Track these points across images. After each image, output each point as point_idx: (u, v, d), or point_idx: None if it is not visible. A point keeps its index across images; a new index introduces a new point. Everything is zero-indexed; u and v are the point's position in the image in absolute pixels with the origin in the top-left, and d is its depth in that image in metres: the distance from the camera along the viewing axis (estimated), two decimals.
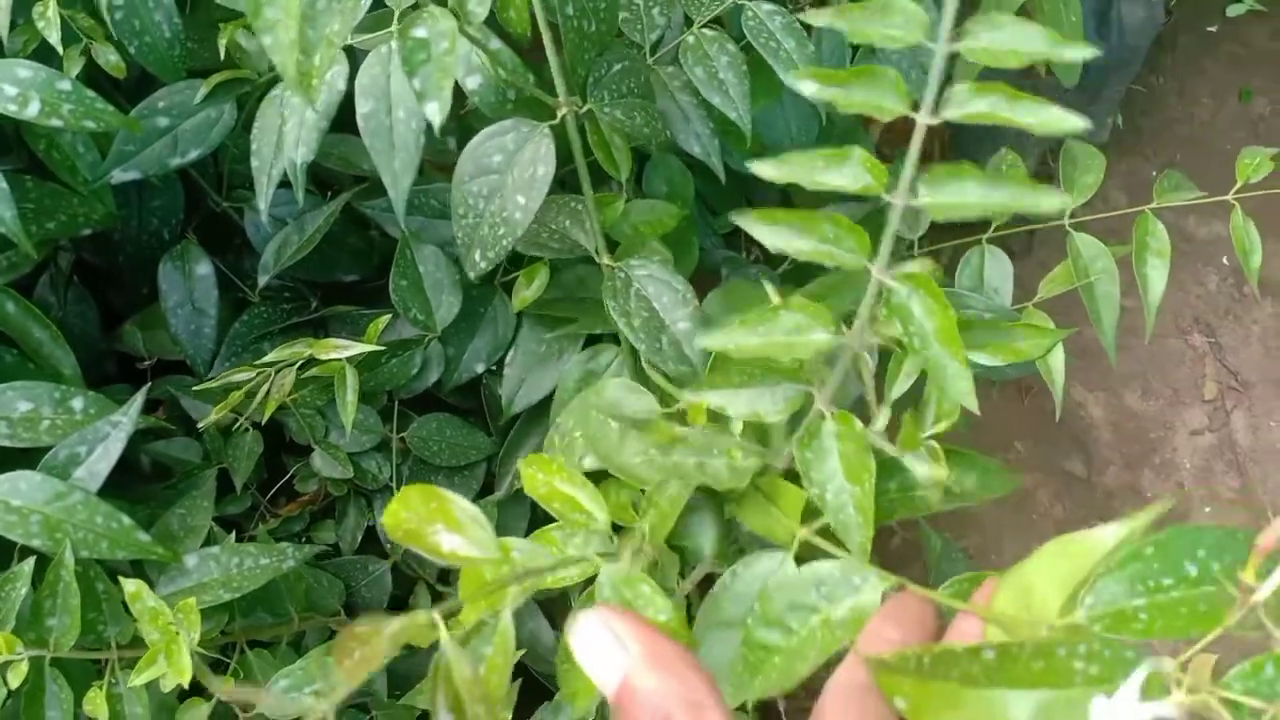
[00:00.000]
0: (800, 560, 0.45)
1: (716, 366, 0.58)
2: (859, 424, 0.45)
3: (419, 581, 0.81)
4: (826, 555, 0.45)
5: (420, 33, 0.49)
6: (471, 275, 0.66)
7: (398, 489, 0.79)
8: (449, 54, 0.50)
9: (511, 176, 0.62)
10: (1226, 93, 1.61)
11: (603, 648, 0.25)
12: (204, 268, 0.78)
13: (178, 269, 0.77)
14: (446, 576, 0.82)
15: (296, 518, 0.80)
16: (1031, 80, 1.28)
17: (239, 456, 0.75)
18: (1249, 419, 1.38)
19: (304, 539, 0.79)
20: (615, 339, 0.71)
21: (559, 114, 0.62)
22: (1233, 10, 1.65)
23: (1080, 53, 0.37)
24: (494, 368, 0.81)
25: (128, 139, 0.70)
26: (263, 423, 0.72)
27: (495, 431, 0.83)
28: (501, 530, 0.83)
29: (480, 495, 0.82)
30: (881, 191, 0.41)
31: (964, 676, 0.28)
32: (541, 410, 0.84)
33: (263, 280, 0.78)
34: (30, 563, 0.54)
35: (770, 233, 0.43)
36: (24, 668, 0.52)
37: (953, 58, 0.39)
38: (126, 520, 0.56)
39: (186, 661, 0.51)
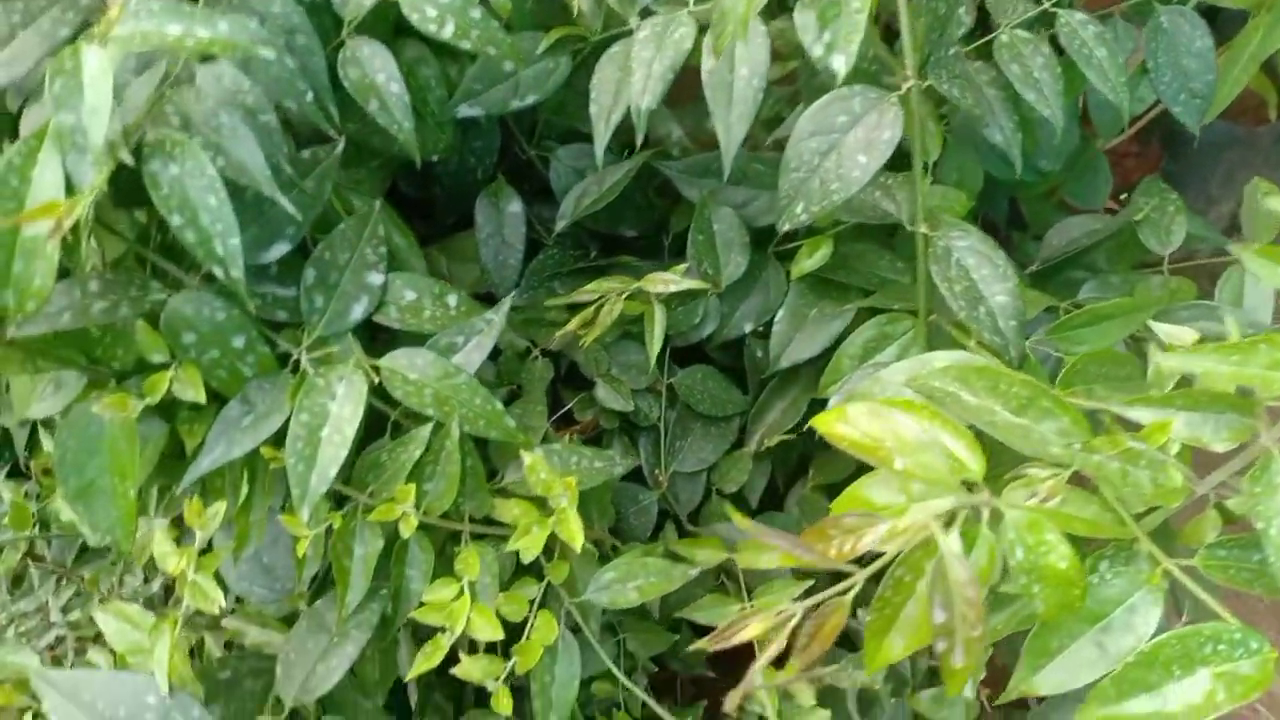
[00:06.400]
0: None
1: (1075, 373, 0.62)
2: None
3: (670, 518, 0.86)
4: None
5: None
6: (784, 227, 0.71)
7: (665, 431, 0.85)
8: (860, 12, 0.56)
9: (853, 136, 0.67)
10: None
11: None
12: (515, 206, 0.84)
13: (492, 204, 0.84)
14: (695, 517, 0.86)
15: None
16: None
17: (532, 380, 0.81)
18: None
19: None
20: (907, 312, 0.76)
21: (904, 86, 0.67)
22: None
23: None
24: (760, 329, 0.86)
25: (477, 78, 0.78)
26: (584, 344, 0.77)
27: (749, 391, 0.88)
28: (747, 487, 0.88)
29: (732, 449, 0.87)
30: None
31: None
32: (793, 377, 0.89)
33: (560, 225, 0.84)
34: (428, 428, 0.60)
35: None
36: (413, 520, 0.58)
37: None
38: (499, 405, 0.62)
39: (578, 526, 0.57)
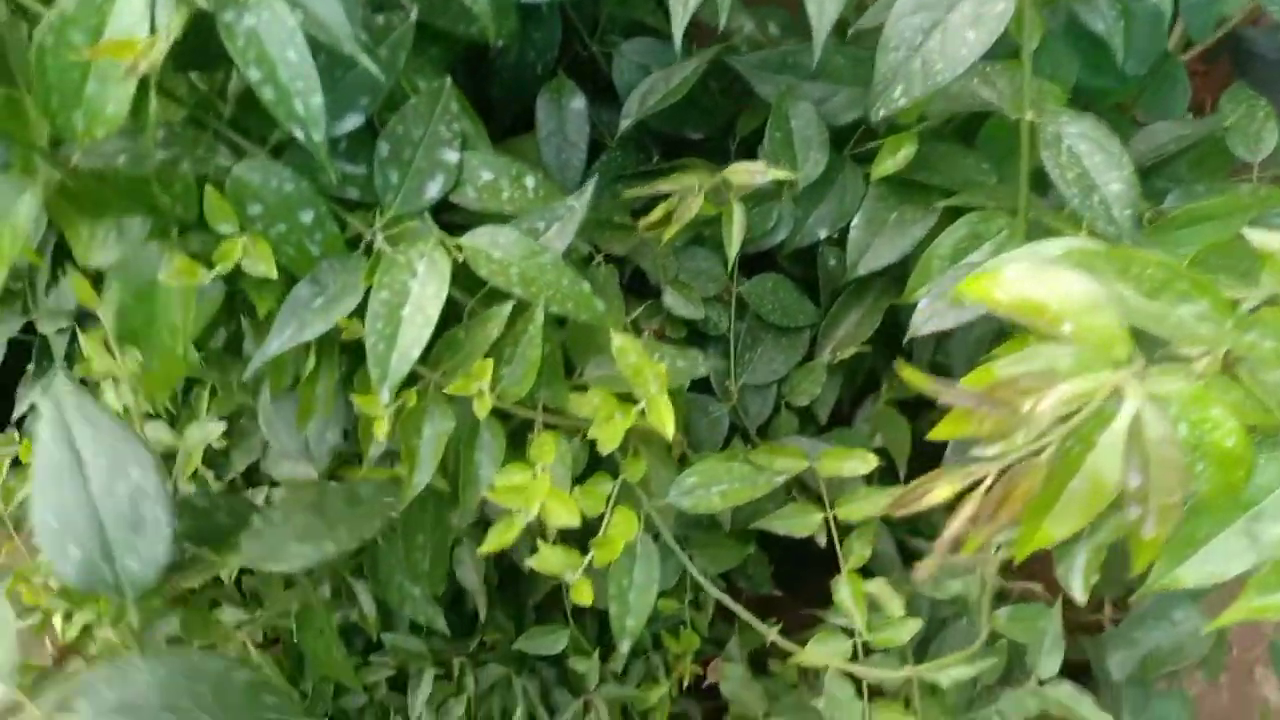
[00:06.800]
0: None
1: (1198, 263, 0.58)
2: None
3: (738, 432, 0.82)
4: None
5: None
6: (879, 114, 0.67)
7: (734, 342, 0.81)
8: None
9: (960, 11, 0.63)
10: None
11: None
12: (578, 102, 0.80)
13: (554, 101, 0.80)
14: (764, 431, 0.83)
15: None
16: None
17: (597, 285, 0.76)
18: None
19: None
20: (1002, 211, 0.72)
21: None
22: None
23: None
24: (835, 236, 0.82)
25: None
26: (664, 242, 0.72)
27: (821, 302, 0.85)
28: (817, 402, 0.85)
29: (803, 362, 0.84)
30: None
31: None
32: (867, 287, 0.85)
33: (624, 125, 0.80)
34: (508, 306, 0.56)
35: None
36: (489, 400, 0.55)
37: None
38: (587, 286, 0.58)
39: (669, 412, 0.53)
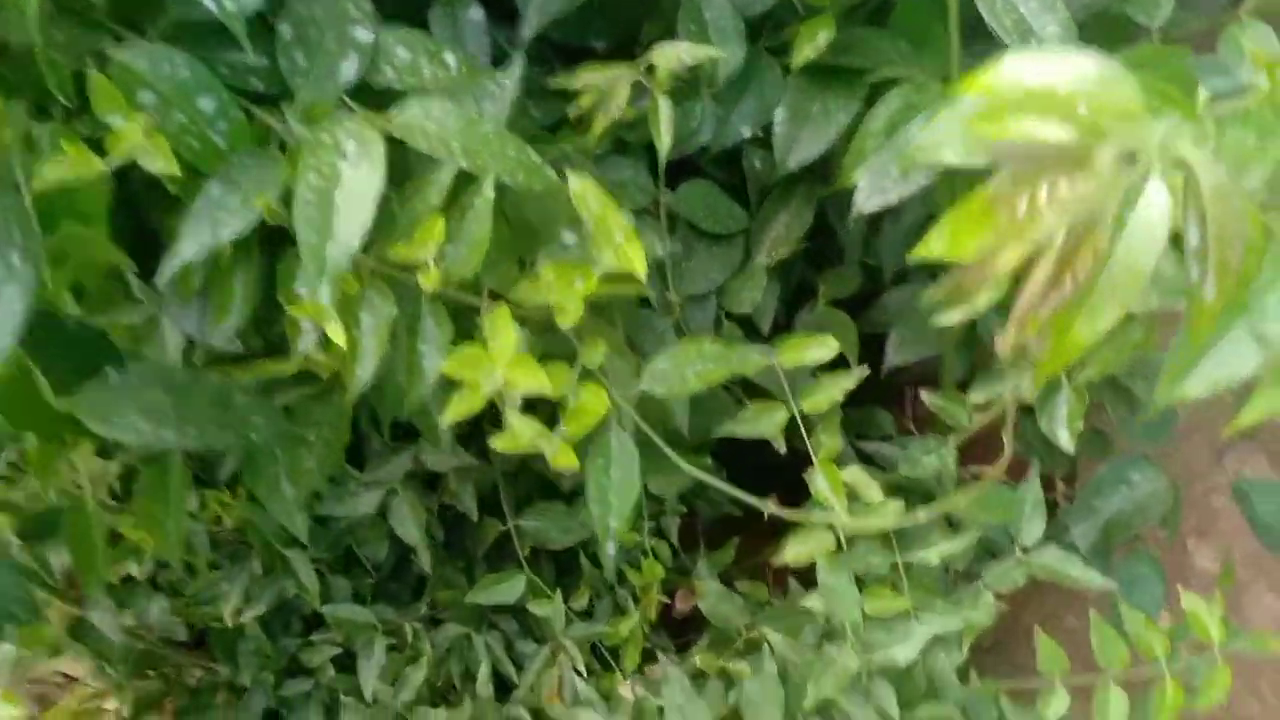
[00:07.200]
0: None
1: None
2: None
3: None
4: None
5: None
6: None
7: (670, 262, 0.77)
8: None
9: None
10: None
11: None
12: (475, 13, 0.74)
13: (448, 14, 0.74)
14: None
15: None
16: None
17: None
18: None
19: None
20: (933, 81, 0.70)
21: None
22: None
23: None
24: (759, 134, 0.79)
25: None
26: (593, 144, 0.68)
27: (750, 206, 0.82)
28: (758, 311, 0.82)
29: (740, 268, 0.80)
30: None
31: None
32: (793, 185, 0.83)
33: (526, 33, 0.75)
34: (449, 171, 0.51)
35: None
36: (434, 274, 0.49)
37: None
38: (535, 157, 0.53)
39: (639, 252, 0.49)
